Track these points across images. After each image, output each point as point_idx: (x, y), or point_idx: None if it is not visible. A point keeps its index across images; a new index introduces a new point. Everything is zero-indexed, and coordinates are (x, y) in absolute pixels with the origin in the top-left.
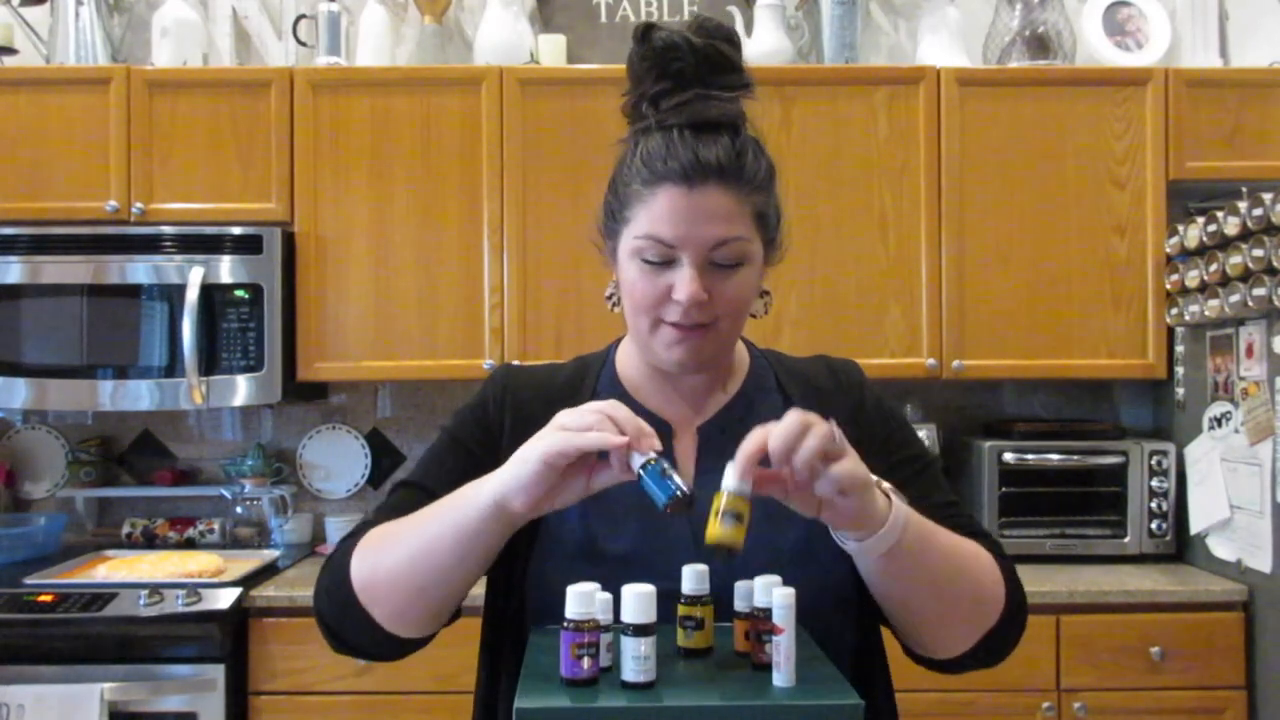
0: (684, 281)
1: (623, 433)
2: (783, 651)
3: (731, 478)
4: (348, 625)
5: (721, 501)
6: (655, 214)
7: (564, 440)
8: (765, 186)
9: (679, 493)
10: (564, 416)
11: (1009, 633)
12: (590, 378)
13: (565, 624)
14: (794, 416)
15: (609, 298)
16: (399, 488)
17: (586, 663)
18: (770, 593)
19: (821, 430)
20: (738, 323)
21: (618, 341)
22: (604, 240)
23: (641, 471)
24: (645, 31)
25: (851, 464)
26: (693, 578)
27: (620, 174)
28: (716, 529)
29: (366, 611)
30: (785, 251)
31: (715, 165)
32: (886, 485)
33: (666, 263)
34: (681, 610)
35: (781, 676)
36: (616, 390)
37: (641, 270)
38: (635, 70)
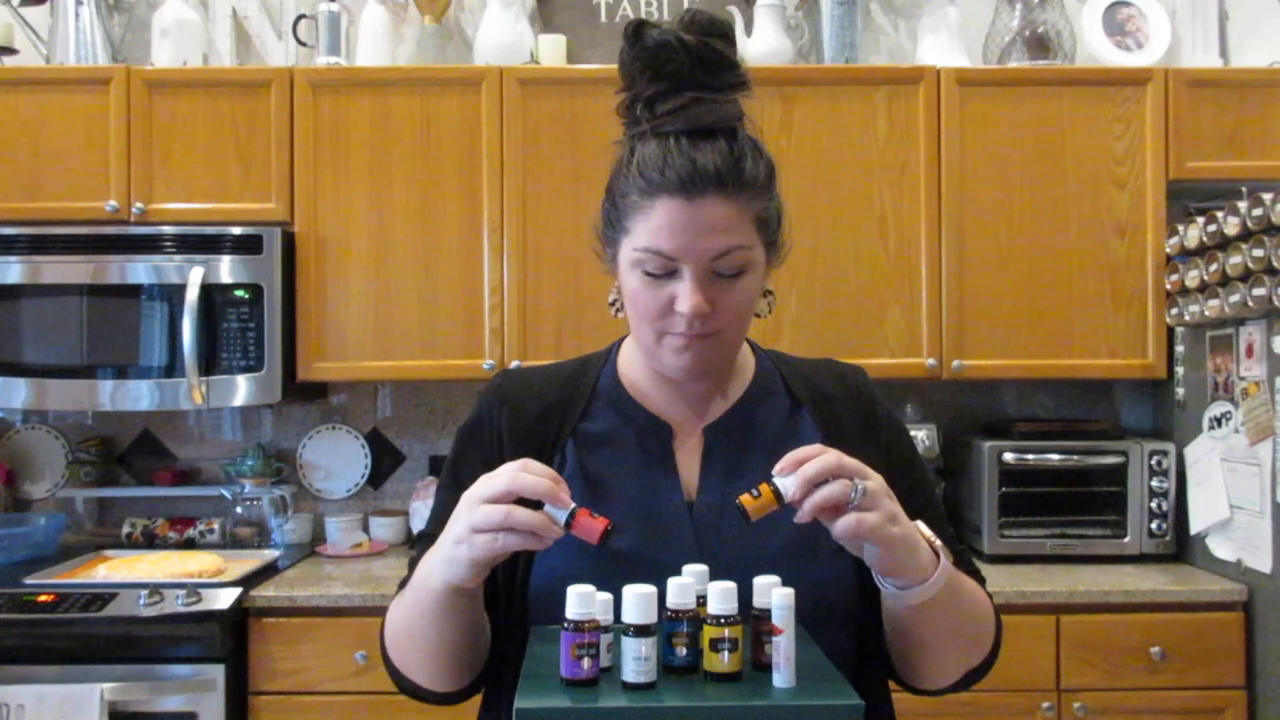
0: (686, 294)
1: (535, 496)
2: (782, 652)
3: (719, 601)
4: (405, 686)
5: (712, 634)
6: (654, 226)
7: (488, 547)
8: (765, 190)
9: (572, 678)
10: (478, 488)
11: (986, 669)
12: (590, 378)
13: (565, 624)
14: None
15: (612, 303)
16: (420, 539)
17: (586, 663)
18: (770, 593)
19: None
20: (742, 329)
21: (620, 341)
22: (603, 248)
23: (565, 629)
24: (636, 30)
25: (878, 518)
26: (721, 597)
27: (617, 183)
28: (715, 662)
29: (409, 678)
30: (788, 251)
31: (713, 173)
32: (936, 540)
33: (668, 274)
34: (711, 632)
35: (781, 677)
36: (618, 392)
37: (643, 282)
38: (628, 70)
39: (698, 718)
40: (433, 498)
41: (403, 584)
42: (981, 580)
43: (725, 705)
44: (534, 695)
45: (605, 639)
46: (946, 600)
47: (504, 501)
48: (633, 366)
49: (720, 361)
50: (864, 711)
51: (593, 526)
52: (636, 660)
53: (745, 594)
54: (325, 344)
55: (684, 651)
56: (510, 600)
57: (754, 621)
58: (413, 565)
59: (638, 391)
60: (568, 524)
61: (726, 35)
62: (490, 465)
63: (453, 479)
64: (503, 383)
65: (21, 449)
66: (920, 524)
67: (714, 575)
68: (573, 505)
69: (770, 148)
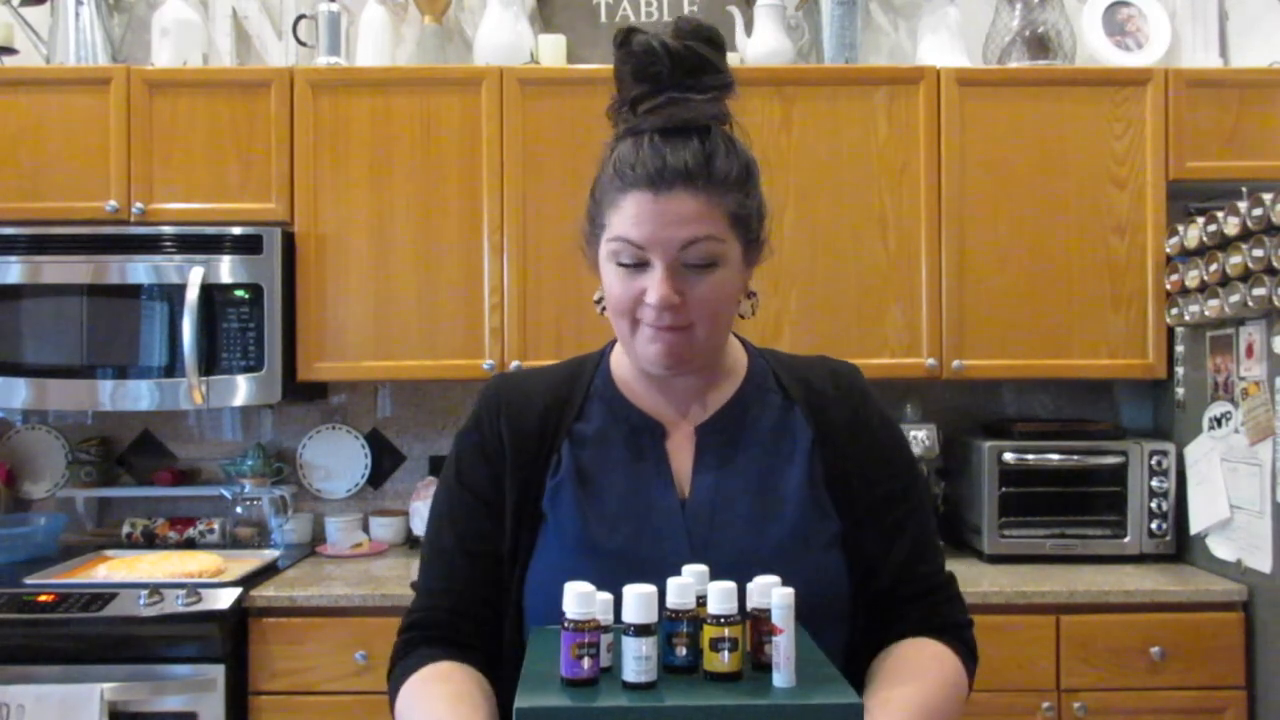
0: (655, 284)
1: None
2: (782, 651)
3: (718, 601)
4: None
5: (711, 633)
6: (625, 217)
7: None
8: (740, 186)
9: (573, 677)
10: None
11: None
12: (584, 379)
13: (565, 624)
14: None
15: (598, 301)
16: (424, 544)
17: (586, 663)
18: (770, 593)
19: None
20: (717, 325)
21: (614, 342)
22: (587, 247)
23: (565, 629)
24: (625, 36)
25: None
26: (721, 597)
27: (597, 181)
28: (715, 661)
29: None
30: (771, 250)
31: (682, 170)
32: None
33: (640, 265)
34: (710, 632)
35: (781, 676)
36: (609, 391)
37: (617, 274)
38: (617, 75)
39: (697, 717)
40: (433, 498)
41: (402, 630)
42: (968, 622)
43: (725, 705)
44: (534, 695)
45: (605, 639)
46: None
47: None
48: (624, 365)
49: (695, 355)
50: (862, 710)
51: (567, 663)
52: (637, 660)
53: (740, 591)
54: (325, 344)
55: (684, 651)
56: (511, 598)
57: (754, 621)
58: (417, 579)
59: (630, 390)
60: (567, 626)
61: (712, 40)
62: (493, 465)
63: (455, 479)
64: (499, 386)
65: (21, 449)
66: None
67: (713, 577)
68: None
69: (770, 148)
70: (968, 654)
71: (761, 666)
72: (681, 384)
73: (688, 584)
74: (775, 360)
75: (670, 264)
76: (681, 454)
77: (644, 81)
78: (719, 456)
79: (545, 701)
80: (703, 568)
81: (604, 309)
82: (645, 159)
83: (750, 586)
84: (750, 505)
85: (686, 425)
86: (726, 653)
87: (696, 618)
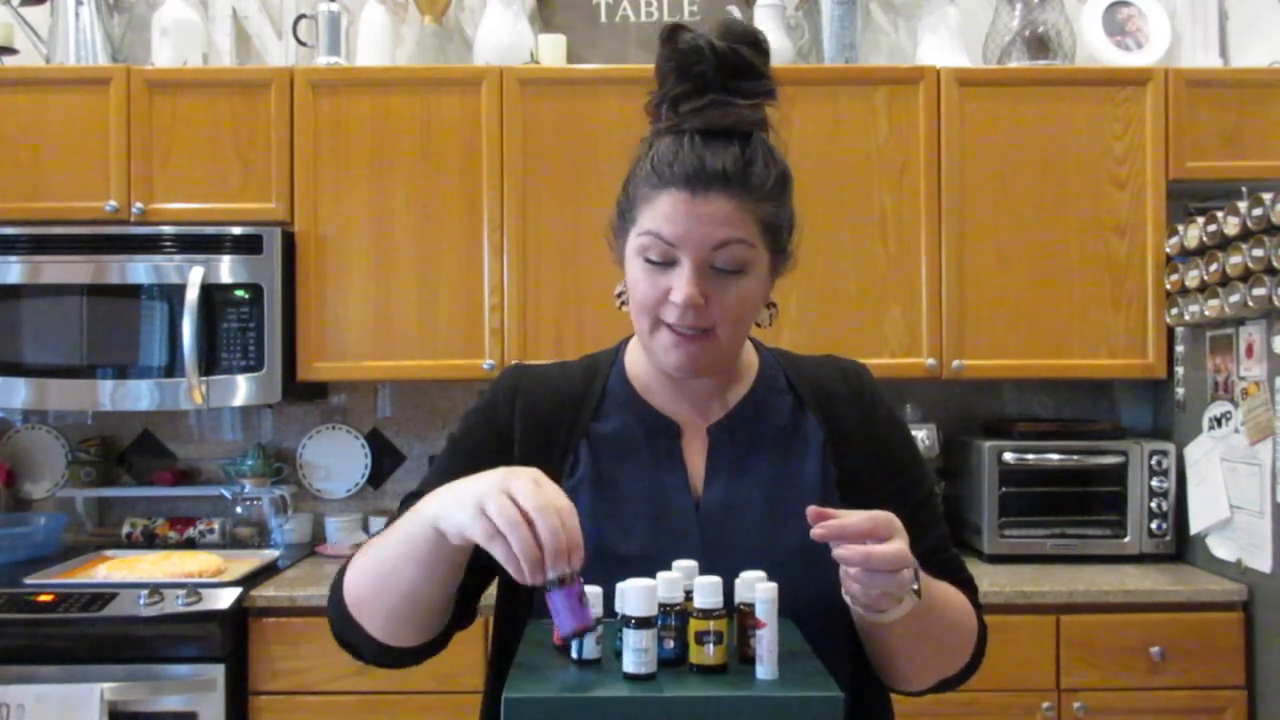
0: (681, 283)
1: (540, 543)
2: (765, 645)
3: (704, 594)
4: (351, 637)
5: (697, 626)
6: (658, 214)
7: (483, 533)
8: (774, 196)
9: (580, 625)
10: (511, 483)
11: (965, 676)
12: (600, 377)
13: (547, 586)
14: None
15: (618, 295)
16: (408, 500)
17: (579, 614)
18: (754, 588)
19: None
20: (738, 331)
21: (627, 340)
22: (615, 239)
23: (551, 589)
24: (671, 33)
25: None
26: (707, 591)
27: (632, 176)
28: (700, 654)
29: (361, 626)
30: (796, 260)
31: (720, 173)
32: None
33: (668, 263)
34: (696, 626)
35: (765, 669)
36: (626, 390)
37: (644, 270)
38: (660, 71)
39: (681, 708)
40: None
41: (370, 540)
42: (973, 589)
43: (708, 696)
44: (524, 686)
45: (591, 590)
46: (915, 617)
47: (524, 515)
48: (639, 365)
49: (713, 362)
50: (843, 703)
51: (569, 615)
52: (636, 652)
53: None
54: (325, 344)
55: (671, 644)
56: (517, 598)
57: (739, 615)
58: (389, 523)
59: (646, 390)
60: (552, 586)
61: (758, 45)
62: (501, 449)
63: (457, 448)
64: (516, 375)
65: (21, 449)
66: None
67: (719, 572)
68: (572, 573)
69: None
70: (979, 620)
71: (748, 660)
72: (697, 384)
73: (675, 578)
74: (785, 360)
75: (699, 264)
76: (696, 455)
77: (687, 80)
78: (731, 458)
79: (535, 692)
80: (691, 563)
81: (623, 303)
82: (684, 158)
83: (737, 581)
84: (763, 507)
85: (701, 425)
86: (711, 646)
87: (684, 611)
